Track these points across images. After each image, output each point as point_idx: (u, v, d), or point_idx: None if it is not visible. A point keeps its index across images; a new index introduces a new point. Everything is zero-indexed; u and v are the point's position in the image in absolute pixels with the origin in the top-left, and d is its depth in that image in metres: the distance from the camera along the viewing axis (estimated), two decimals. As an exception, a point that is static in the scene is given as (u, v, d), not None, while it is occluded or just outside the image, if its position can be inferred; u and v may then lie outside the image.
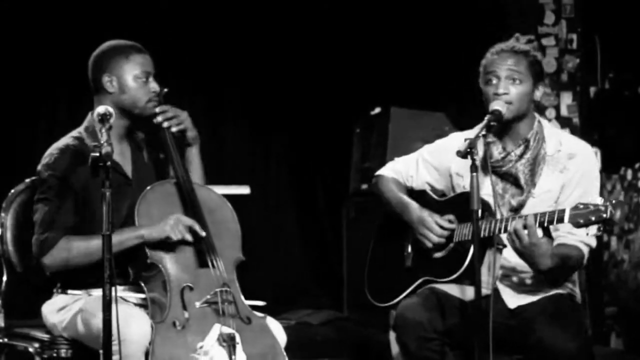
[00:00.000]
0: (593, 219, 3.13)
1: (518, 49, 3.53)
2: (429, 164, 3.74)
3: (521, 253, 3.29)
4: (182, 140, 3.65)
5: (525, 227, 3.24)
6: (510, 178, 3.52)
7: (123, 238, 3.36)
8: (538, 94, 3.55)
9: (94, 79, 3.57)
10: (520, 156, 3.52)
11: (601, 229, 3.15)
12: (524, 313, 3.45)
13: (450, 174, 3.67)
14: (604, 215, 3.11)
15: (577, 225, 3.16)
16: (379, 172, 3.85)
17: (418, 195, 3.70)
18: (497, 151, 3.52)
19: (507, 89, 3.47)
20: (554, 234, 3.42)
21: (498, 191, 3.50)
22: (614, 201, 3.13)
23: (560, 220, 3.20)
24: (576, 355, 3.26)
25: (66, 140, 3.55)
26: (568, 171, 3.50)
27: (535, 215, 3.26)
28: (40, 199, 3.48)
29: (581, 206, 3.16)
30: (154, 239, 3.38)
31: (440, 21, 6.45)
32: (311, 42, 6.64)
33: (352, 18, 6.58)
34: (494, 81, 3.49)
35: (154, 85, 3.56)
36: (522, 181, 3.51)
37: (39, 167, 3.51)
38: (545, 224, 3.24)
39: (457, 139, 3.63)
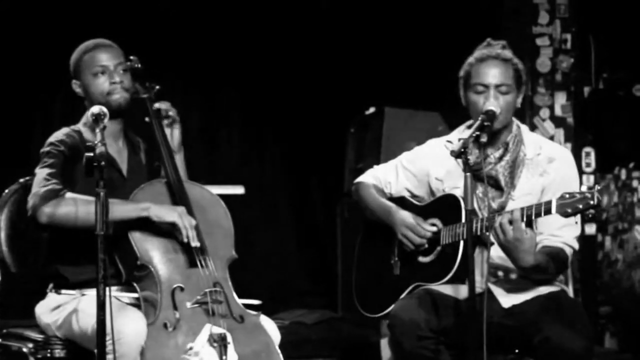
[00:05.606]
0: (581, 206, 3.12)
1: (504, 57, 3.50)
2: (407, 171, 3.72)
3: (505, 248, 3.28)
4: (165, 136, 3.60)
5: (510, 222, 3.24)
6: (490, 180, 3.49)
7: (127, 207, 3.32)
8: (519, 101, 3.53)
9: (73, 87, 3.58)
10: (500, 158, 3.52)
11: (589, 216, 3.14)
12: (523, 312, 3.43)
13: (429, 179, 3.66)
14: (592, 202, 3.10)
15: (565, 215, 3.14)
16: (358, 180, 3.83)
17: (397, 201, 3.68)
18: (475, 155, 3.47)
19: (497, 98, 3.46)
20: (537, 238, 3.39)
21: (478, 195, 3.49)
22: (598, 187, 3.13)
23: (548, 211, 3.18)
24: (584, 355, 3.26)
25: (67, 129, 3.52)
26: (548, 175, 3.49)
27: (522, 209, 3.25)
28: (44, 165, 3.39)
29: (567, 195, 3.15)
30: (159, 219, 3.33)
31: (434, 21, 6.45)
32: (306, 42, 6.64)
33: (347, 19, 6.59)
34: (481, 89, 3.47)
35: (113, 77, 3.49)
36: (502, 182, 3.50)
37: (41, 150, 3.44)
38: (533, 217, 3.23)
39: (435, 145, 3.68)
